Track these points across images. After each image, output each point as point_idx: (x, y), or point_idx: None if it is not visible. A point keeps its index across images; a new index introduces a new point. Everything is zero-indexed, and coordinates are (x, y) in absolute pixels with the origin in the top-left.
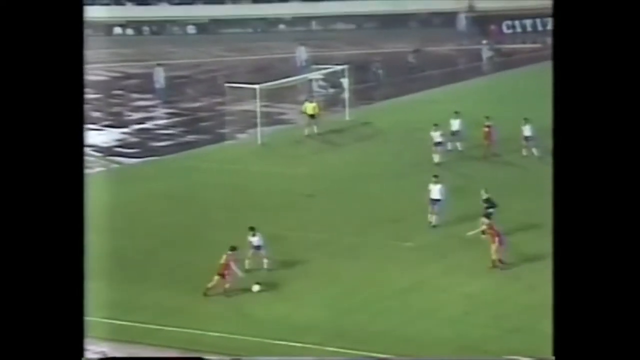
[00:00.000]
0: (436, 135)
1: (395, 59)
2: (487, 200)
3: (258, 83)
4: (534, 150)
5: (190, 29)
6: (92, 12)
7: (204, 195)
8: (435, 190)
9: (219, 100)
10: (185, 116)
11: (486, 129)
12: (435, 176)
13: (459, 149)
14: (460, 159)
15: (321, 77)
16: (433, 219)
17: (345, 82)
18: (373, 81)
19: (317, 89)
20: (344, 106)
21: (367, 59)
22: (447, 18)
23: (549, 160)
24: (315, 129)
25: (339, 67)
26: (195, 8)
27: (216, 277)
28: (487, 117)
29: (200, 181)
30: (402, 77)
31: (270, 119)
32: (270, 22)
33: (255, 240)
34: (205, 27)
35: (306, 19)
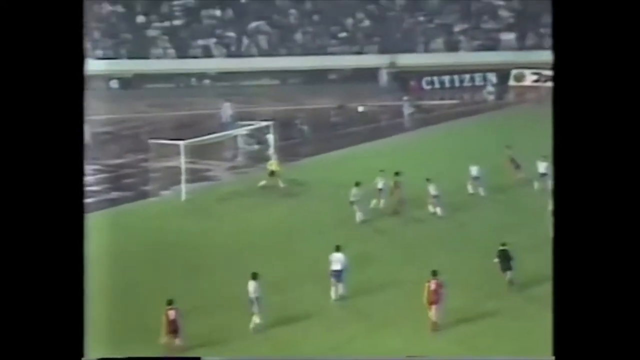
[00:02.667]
0: (356, 194)
1: (320, 115)
2: (503, 253)
3: (182, 139)
4: (438, 210)
5: (113, 84)
6: None
7: (126, 253)
8: (337, 261)
9: (143, 156)
10: (109, 173)
11: (395, 186)
12: (338, 247)
13: (380, 206)
14: (382, 217)
15: (247, 133)
16: (333, 291)
17: (270, 138)
18: (298, 137)
19: (243, 146)
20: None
21: (291, 115)
22: (370, 73)
23: (455, 217)
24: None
25: (264, 124)
26: (118, 62)
27: (165, 336)
28: (397, 174)
29: (123, 238)
30: (326, 134)
31: (195, 176)
32: (195, 78)
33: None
34: (129, 82)
35: (231, 75)
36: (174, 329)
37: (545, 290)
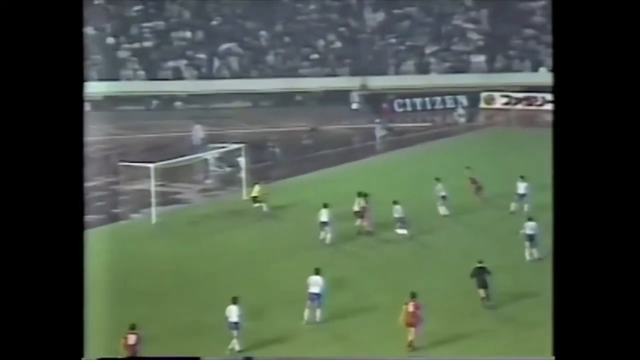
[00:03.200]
0: (324, 215)
1: (291, 137)
2: (481, 270)
3: (153, 162)
4: (404, 231)
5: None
6: None
7: (96, 276)
8: (315, 284)
9: (113, 179)
10: None
11: (361, 207)
12: (317, 269)
13: (365, 228)
14: (352, 238)
15: (218, 156)
16: (307, 314)
17: (242, 161)
18: (269, 160)
19: (214, 168)
20: (241, 186)
21: (263, 138)
22: (342, 96)
23: (424, 239)
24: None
25: (235, 146)
26: (88, 84)
27: None
28: (365, 195)
29: (93, 262)
30: (298, 157)
31: (166, 199)
32: (166, 100)
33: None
34: (99, 104)
35: (202, 97)
36: (132, 353)
37: (520, 311)
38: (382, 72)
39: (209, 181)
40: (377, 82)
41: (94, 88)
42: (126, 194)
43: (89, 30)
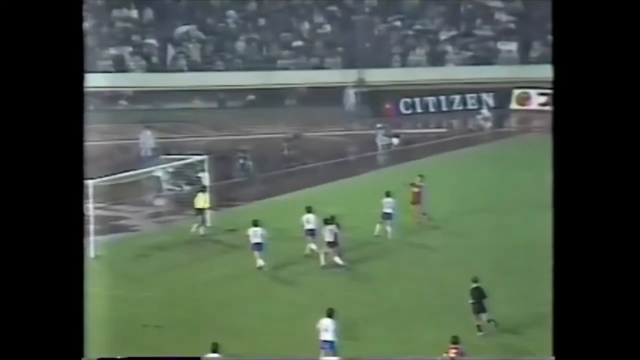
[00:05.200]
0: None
1: (268, 147)
2: (477, 290)
3: (90, 178)
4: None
5: None
6: None
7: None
8: (327, 329)
9: None
10: None
11: (330, 230)
12: (330, 311)
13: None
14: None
15: (173, 170)
16: None
17: (204, 177)
18: (240, 176)
19: (168, 186)
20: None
21: (232, 148)
22: (333, 94)
23: None
24: (201, 230)
25: (196, 158)
26: None
27: None
28: (332, 217)
29: None
30: (277, 172)
31: (106, 225)
32: (106, 98)
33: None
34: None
35: (152, 94)
36: None
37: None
38: (385, 64)
39: (161, 203)
40: (378, 77)
41: None
42: None
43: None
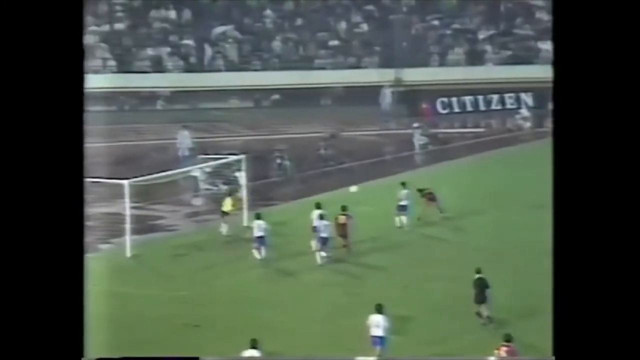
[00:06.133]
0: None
1: (305, 146)
2: (480, 280)
3: (126, 178)
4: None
5: None
6: None
7: None
8: (377, 325)
9: None
10: None
11: (341, 221)
12: (379, 306)
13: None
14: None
15: (210, 170)
16: None
17: (241, 177)
18: (277, 176)
19: (205, 186)
20: (240, 208)
21: (269, 147)
22: (370, 93)
23: None
24: (224, 229)
25: (233, 158)
26: None
27: None
28: (343, 208)
29: None
30: (314, 171)
31: (144, 225)
32: (143, 98)
33: None
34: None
35: (190, 94)
36: None
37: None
38: (422, 64)
39: (198, 202)
40: (415, 76)
41: None
42: (93, 218)
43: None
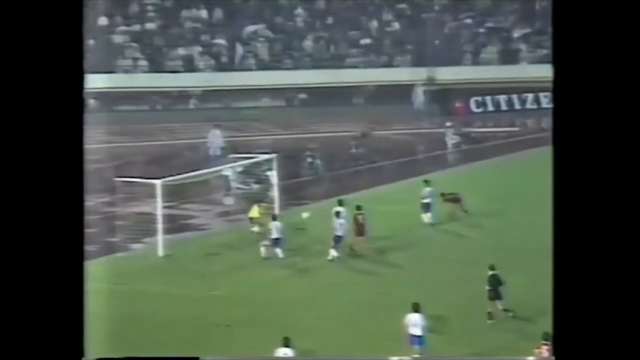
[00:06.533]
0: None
1: (336, 145)
2: (493, 277)
3: (158, 177)
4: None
5: None
6: None
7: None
8: (415, 324)
9: (107, 199)
10: None
11: (359, 218)
12: (416, 305)
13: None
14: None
15: (242, 169)
16: None
17: (273, 176)
18: (308, 175)
19: (237, 185)
20: (268, 214)
21: (300, 146)
22: (402, 92)
23: None
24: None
25: (264, 157)
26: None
27: None
28: (358, 207)
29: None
30: (345, 170)
31: (176, 224)
32: (175, 97)
33: None
34: (88, 104)
35: (221, 93)
36: None
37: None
38: (455, 62)
39: (230, 202)
40: (448, 75)
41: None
42: (124, 218)
43: None
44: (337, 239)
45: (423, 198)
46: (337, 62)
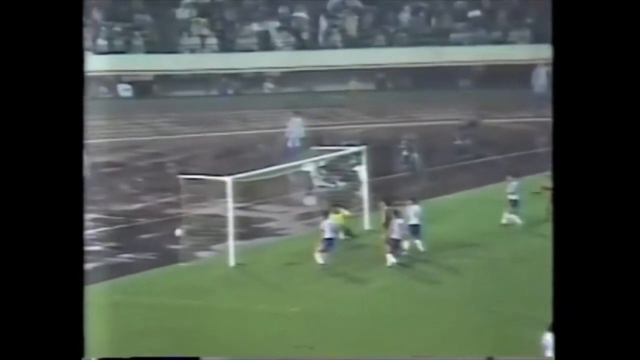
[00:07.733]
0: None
1: (438, 136)
2: None
3: (229, 174)
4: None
5: (123, 90)
6: None
7: (145, 346)
8: None
9: (170, 199)
10: (117, 224)
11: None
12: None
13: None
14: None
15: (325, 164)
16: None
17: (362, 171)
18: (403, 170)
19: (320, 183)
20: (360, 209)
21: (393, 137)
22: (517, 74)
23: None
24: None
25: (352, 149)
26: (130, 59)
27: None
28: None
29: (138, 326)
30: (448, 165)
31: (249, 229)
32: (248, 80)
33: None
34: (147, 87)
35: (302, 75)
36: None
37: None
38: None
39: (311, 202)
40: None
41: (138, 64)
42: (190, 221)
43: None
44: (395, 243)
45: (510, 194)
46: (440, 39)
